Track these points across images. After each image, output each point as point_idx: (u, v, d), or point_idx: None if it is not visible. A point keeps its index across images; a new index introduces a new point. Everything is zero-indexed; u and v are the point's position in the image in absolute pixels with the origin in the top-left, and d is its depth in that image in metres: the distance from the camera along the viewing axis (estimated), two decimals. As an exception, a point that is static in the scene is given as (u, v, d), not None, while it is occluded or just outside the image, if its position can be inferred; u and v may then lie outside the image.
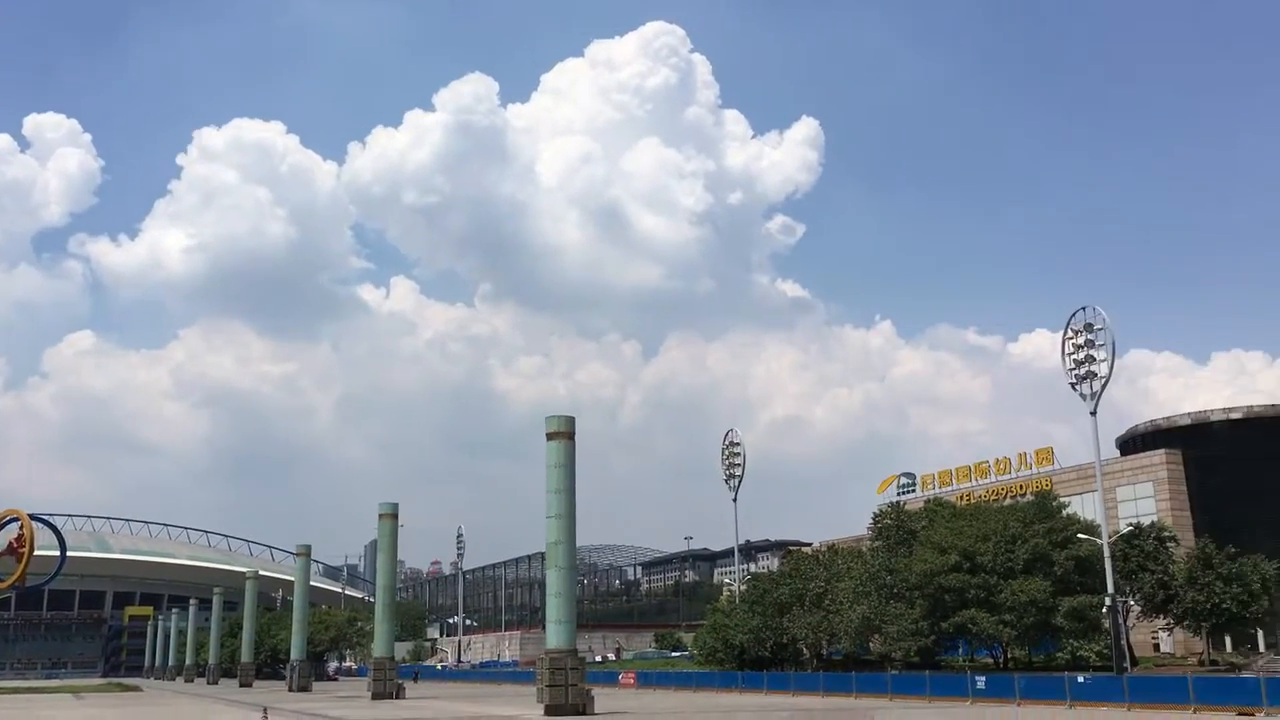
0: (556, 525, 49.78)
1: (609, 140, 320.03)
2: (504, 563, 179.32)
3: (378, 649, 76.30)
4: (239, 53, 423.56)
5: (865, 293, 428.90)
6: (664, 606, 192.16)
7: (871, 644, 74.29)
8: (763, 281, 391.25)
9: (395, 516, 79.22)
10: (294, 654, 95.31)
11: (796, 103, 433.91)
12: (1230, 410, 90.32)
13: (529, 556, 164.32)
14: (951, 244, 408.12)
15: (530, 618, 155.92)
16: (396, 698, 70.66)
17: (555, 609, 49.18)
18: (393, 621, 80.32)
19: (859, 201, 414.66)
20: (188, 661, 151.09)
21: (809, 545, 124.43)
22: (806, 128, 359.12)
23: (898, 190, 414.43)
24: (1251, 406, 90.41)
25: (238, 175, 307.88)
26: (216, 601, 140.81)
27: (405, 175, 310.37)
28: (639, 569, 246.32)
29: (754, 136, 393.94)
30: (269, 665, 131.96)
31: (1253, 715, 38.96)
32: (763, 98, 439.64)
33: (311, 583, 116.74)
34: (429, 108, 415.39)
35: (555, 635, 48.63)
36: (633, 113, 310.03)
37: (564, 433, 50.94)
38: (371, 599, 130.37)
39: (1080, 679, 49.42)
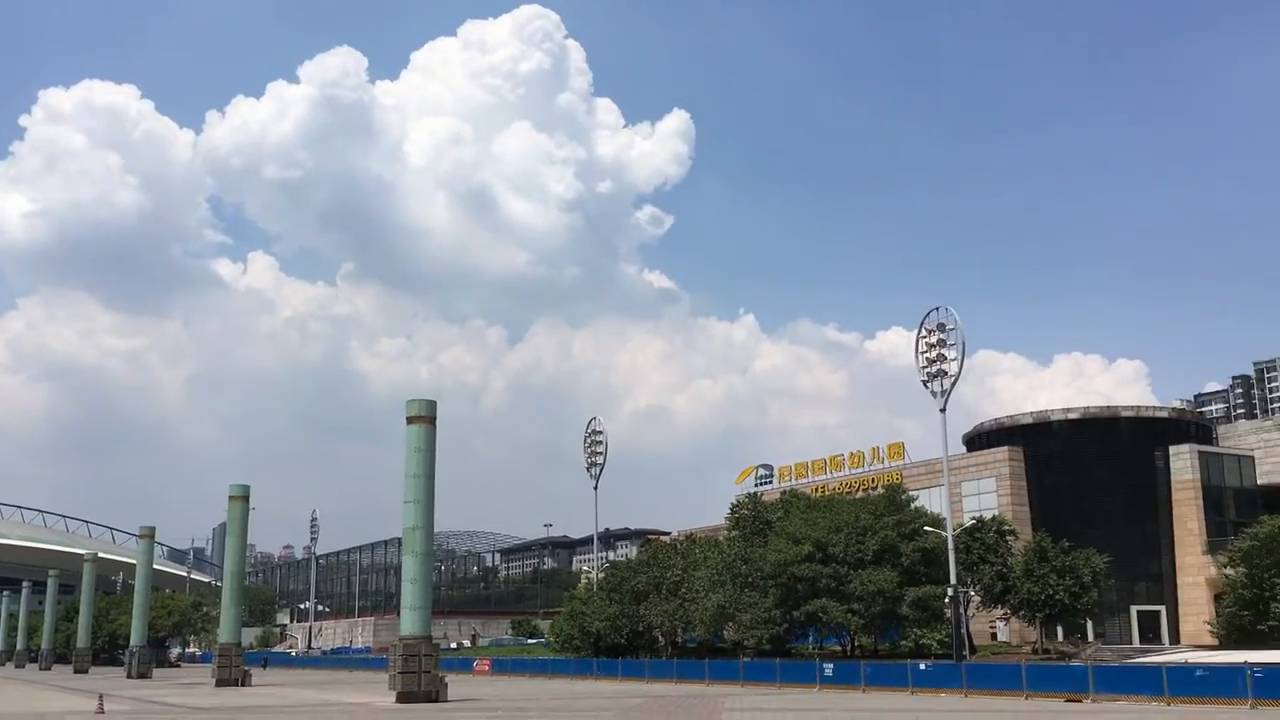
0: (414, 510, 49.12)
1: (480, 123, 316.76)
2: (359, 547, 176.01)
3: (223, 634, 74.05)
4: (91, 10, 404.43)
5: (730, 286, 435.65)
6: (522, 594, 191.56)
7: (725, 632, 75.55)
8: (630, 271, 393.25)
9: (246, 499, 76.92)
10: (134, 639, 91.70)
11: (668, 95, 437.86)
12: (1069, 410, 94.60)
13: (385, 541, 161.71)
14: (814, 241, 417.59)
15: (385, 604, 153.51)
16: (242, 685, 68.71)
17: (410, 595, 48.54)
18: (240, 606, 78.01)
19: (727, 196, 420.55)
20: (19, 646, 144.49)
21: (668, 534, 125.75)
22: (678, 120, 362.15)
23: (765, 186, 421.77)
24: (1088, 408, 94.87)
25: (86, 139, 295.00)
26: (51, 584, 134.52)
27: (267, 148, 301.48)
28: (498, 556, 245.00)
29: (625, 126, 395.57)
30: (107, 651, 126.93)
31: (1080, 701, 40.95)
32: (635, 88, 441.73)
33: (155, 566, 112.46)
34: (293, 79, 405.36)
35: (410, 622, 48.01)
36: (504, 96, 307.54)
37: (425, 417, 50.26)
38: (219, 583, 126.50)
39: (922, 666, 51.17)
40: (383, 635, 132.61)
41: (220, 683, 69.05)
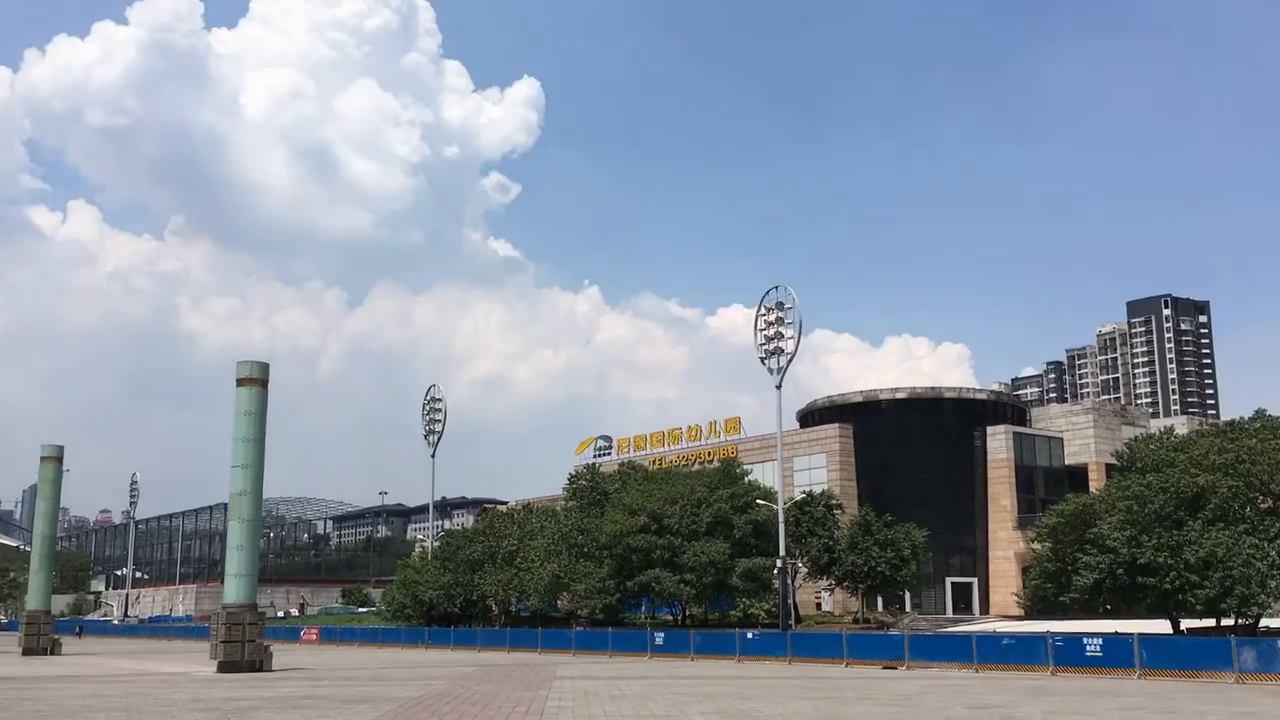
0: (242, 475, 47.53)
1: (322, 78, 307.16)
2: (182, 513, 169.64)
3: (31, 601, 70.43)
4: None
5: (575, 257, 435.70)
6: (354, 562, 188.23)
7: (560, 602, 75.92)
8: (474, 238, 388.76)
9: (59, 459, 73.12)
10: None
11: (519, 61, 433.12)
12: (896, 390, 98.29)
13: (210, 507, 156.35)
14: (661, 216, 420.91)
15: (209, 571, 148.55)
16: (51, 654, 65.53)
17: (235, 562, 47.05)
18: (51, 572, 74.30)
19: (575, 167, 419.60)
20: None
21: (505, 504, 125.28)
22: (528, 88, 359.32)
23: (614, 159, 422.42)
24: (914, 388, 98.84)
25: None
26: None
27: (91, 92, 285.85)
28: (330, 523, 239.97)
29: (474, 91, 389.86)
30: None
31: (896, 668, 42.76)
32: (485, 53, 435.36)
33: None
34: (122, 21, 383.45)
35: (234, 590, 46.55)
36: (349, 52, 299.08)
37: (256, 379, 48.60)
38: (28, 548, 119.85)
39: (749, 635, 52.47)
40: (205, 603, 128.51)
41: (27, 651, 65.75)
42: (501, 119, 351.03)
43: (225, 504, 60.64)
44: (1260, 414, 52.98)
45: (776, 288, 63.72)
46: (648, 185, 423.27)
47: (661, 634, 56.59)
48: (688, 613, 71.62)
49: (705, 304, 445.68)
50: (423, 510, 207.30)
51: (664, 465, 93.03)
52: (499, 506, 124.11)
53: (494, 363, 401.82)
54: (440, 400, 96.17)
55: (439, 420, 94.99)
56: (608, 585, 67.47)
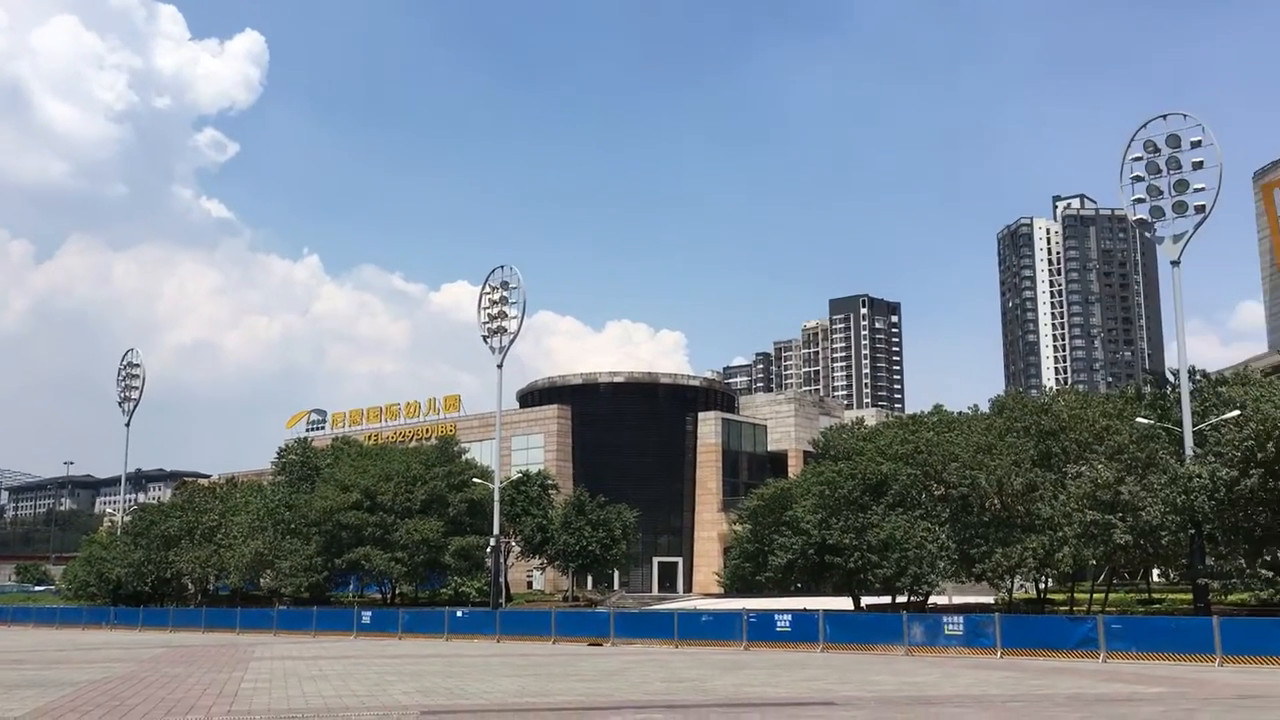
0: (-100, 440, 42.80)
1: (15, 10, 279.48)
2: None
3: None
4: None
5: (295, 224, 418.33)
6: (32, 536, 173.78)
7: (263, 580, 73.10)
8: (185, 196, 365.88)
9: None
10: None
11: (242, 13, 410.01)
12: (614, 374, 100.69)
13: None
14: (387, 186, 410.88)
15: None
16: None
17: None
18: None
19: (299, 129, 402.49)
20: None
21: (208, 477, 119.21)
22: (251, 42, 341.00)
23: (341, 123, 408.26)
24: (632, 372, 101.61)
25: None
26: None
27: None
28: (5, 494, 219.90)
29: (191, 40, 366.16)
30: None
31: (601, 645, 43.94)
32: (205, 0, 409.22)
33: None
34: None
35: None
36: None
37: (-79, 334, 43.86)
38: None
39: (459, 614, 52.48)
40: None
41: None
42: (220, 72, 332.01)
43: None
44: (938, 409, 58.01)
45: (502, 267, 63.75)
46: (376, 156, 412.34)
47: (369, 613, 55.65)
48: (398, 591, 70.71)
49: (430, 279, 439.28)
50: (114, 482, 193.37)
51: (380, 441, 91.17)
52: (200, 480, 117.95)
53: (201, 328, 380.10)
54: (138, 365, 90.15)
55: (136, 387, 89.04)
56: (315, 563, 65.61)
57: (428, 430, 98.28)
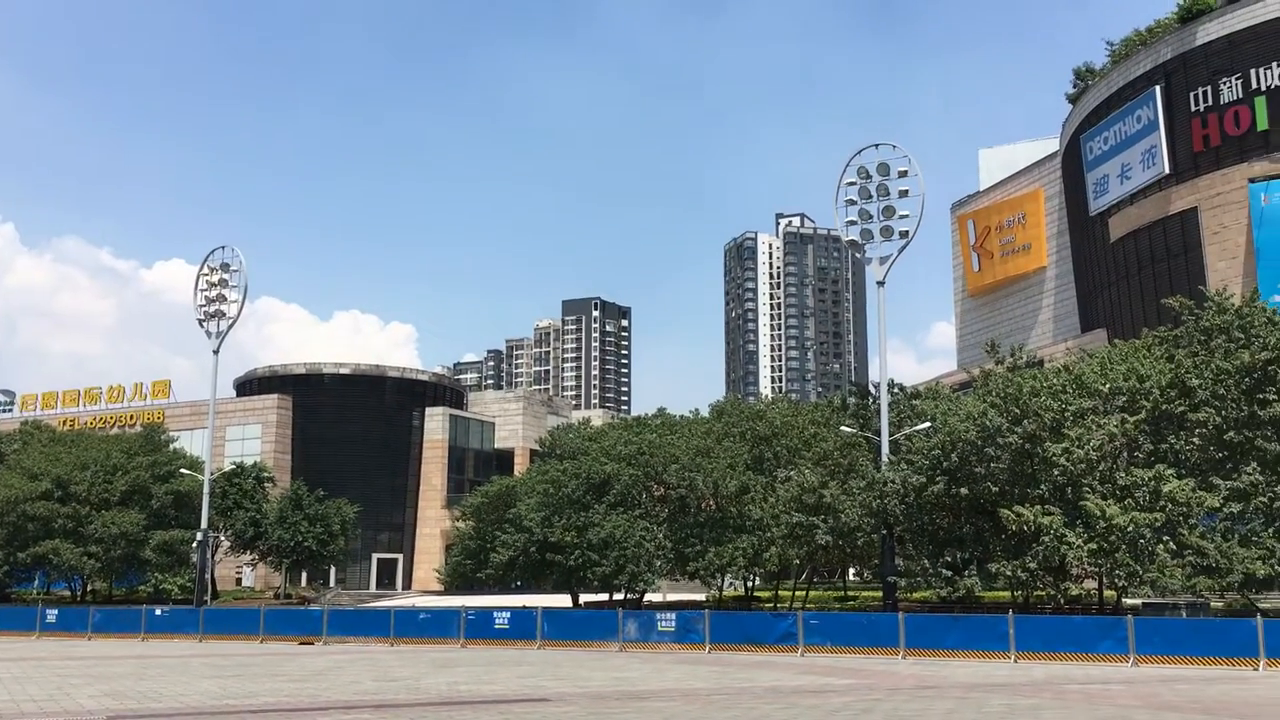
0: None
1: None
2: None
3: None
4: None
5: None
6: None
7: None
8: None
9: None
10: None
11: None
12: (340, 365, 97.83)
13: None
14: (101, 155, 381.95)
15: None
16: None
17: None
18: None
19: (9, 89, 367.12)
20: None
21: None
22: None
23: (52, 84, 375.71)
24: (359, 364, 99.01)
25: None
26: None
27: None
28: None
29: None
30: None
31: (312, 643, 42.56)
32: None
33: None
34: None
35: None
36: None
37: None
38: None
39: (158, 612, 49.56)
40: None
41: None
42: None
43: None
44: (661, 412, 59.80)
45: (223, 247, 60.40)
46: (88, 119, 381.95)
47: (54, 611, 51.70)
48: (90, 588, 65.86)
49: (143, 256, 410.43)
50: None
51: (77, 427, 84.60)
52: None
53: None
54: None
55: None
56: (-6, 557, 60.17)
57: (133, 417, 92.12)
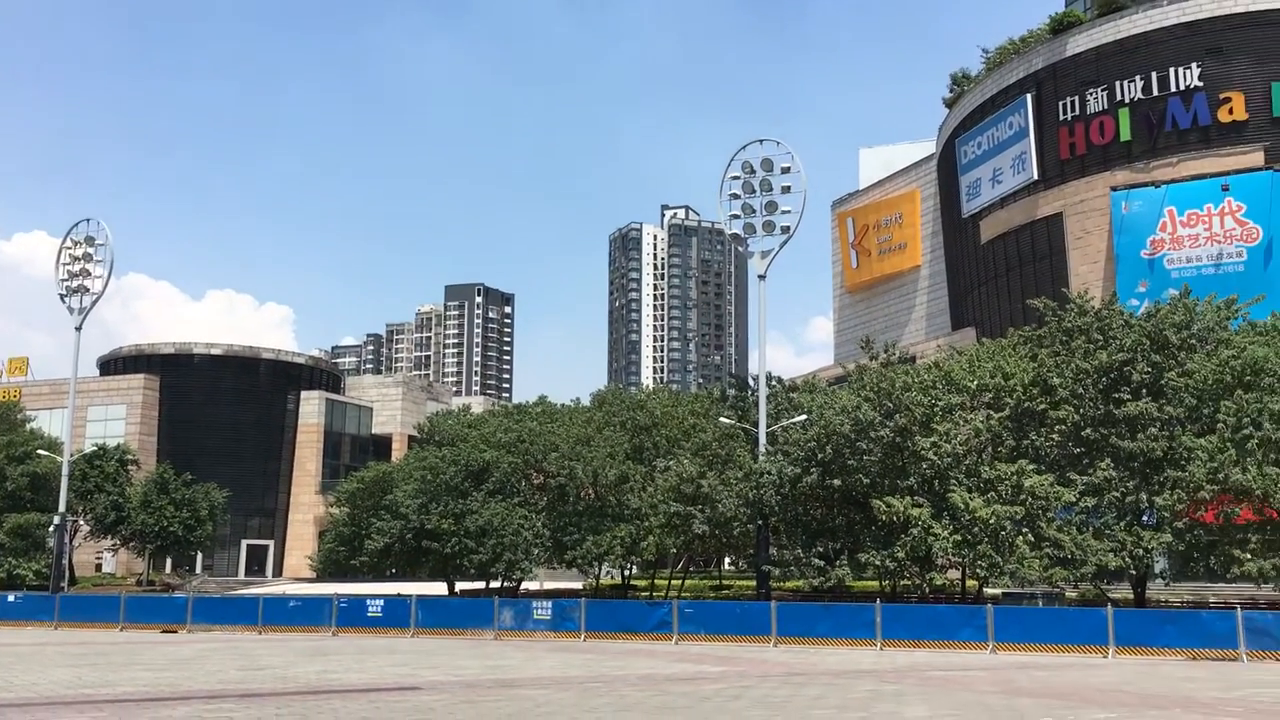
0: None
1: None
2: None
3: None
4: None
5: None
6: None
7: None
8: None
9: None
10: None
11: None
12: (212, 346, 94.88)
13: None
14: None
15: None
16: None
17: None
18: None
19: None
20: None
21: None
22: None
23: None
24: (231, 345, 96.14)
25: None
26: None
27: None
28: None
29: None
30: None
31: (176, 631, 41.32)
32: None
33: None
34: None
35: None
36: None
37: None
38: None
39: (10, 598, 47.62)
40: None
41: None
42: None
43: None
44: (542, 400, 59.64)
45: (88, 220, 57.95)
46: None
47: None
48: (-64, 574, 62.63)
49: (1, 227, 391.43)
50: None
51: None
52: None
53: None
54: None
55: None
56: None
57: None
